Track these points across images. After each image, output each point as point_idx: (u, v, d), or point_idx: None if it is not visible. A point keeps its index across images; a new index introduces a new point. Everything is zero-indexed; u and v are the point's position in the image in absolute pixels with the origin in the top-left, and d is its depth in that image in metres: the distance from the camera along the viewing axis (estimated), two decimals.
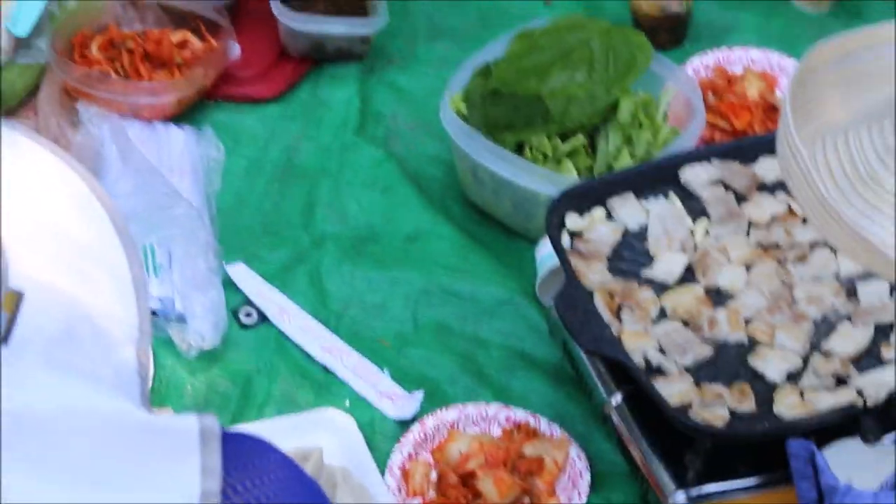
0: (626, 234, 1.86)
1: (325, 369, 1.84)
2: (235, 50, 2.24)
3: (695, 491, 1.72)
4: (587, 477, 1.80)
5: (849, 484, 1.48)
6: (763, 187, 1.91)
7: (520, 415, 1.86)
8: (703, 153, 1.96)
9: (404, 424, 1.87)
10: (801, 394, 1.70)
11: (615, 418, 1.80)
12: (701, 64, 2.25)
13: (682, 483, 1.72)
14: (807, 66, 1.30)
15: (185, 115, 2.20)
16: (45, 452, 1.01)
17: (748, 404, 1.70)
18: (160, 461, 1.04)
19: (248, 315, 1.92)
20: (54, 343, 1.06)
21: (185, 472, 1.03)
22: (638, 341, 1.73)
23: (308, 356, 1.86)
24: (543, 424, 1.84)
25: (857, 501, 1.40)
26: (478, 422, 1.86)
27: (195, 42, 2.26)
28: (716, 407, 1.70)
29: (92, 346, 1.08)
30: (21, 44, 2.18)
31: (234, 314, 1.91)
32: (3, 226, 1.04)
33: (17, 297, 1.03)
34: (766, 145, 1.89)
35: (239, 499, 1.08)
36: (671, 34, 2.31)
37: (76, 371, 1.07)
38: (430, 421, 1.85)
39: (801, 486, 1.46)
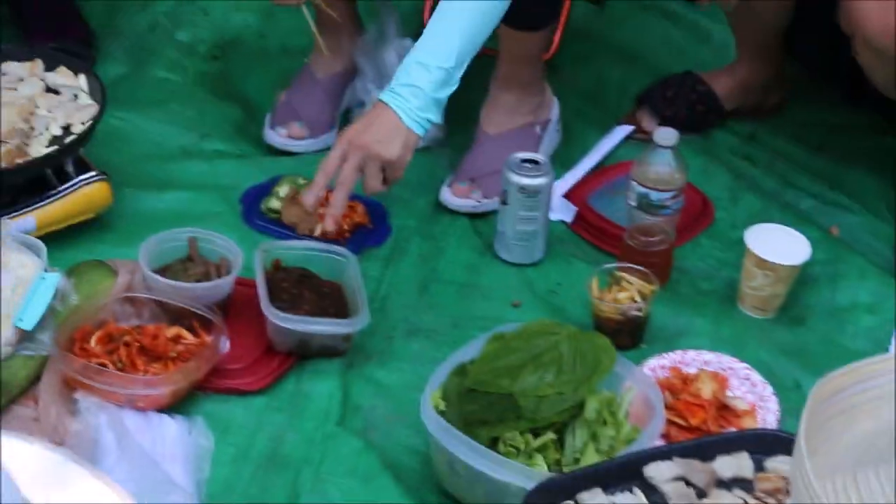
0: None
1: None
2: (226, 345, 2.25)
3: None
4: None
5: None
6: (721, 483, 1.91)
7: None
8: (664, 451, 1.96)
9: None
10: None
11: None
12: (658, 364, 2.29)
13: None
14: (812, 403, 1.30)
15: (177, 405, 2.20)
16: None
17: None
18: None
19: None
20: None
21: None
22: None
23: None
24: None
25: None
26: None
27: (189, 337, 2.27)
28: None
29: None
30: (25, 336, 2.20)
31: None
32: None
33: None
34: (723, 445, 1.96)
35: None
36: (630, 337, 2.36)
37: None
38: None
39: None
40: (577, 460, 2.06)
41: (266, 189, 2.67)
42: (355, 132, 2.45)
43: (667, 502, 1.91)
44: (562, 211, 2.66)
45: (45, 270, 2.30)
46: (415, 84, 2.40)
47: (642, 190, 2.47)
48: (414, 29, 2.92)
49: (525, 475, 1.98)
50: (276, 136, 2.81)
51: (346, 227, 2.58)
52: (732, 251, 2.52)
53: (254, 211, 2.64)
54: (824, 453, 1.25)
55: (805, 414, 1.28)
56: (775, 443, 1.98)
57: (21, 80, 2.66)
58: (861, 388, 1.29)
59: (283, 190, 2.65)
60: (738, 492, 1.91)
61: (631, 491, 1.91)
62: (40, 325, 2.24)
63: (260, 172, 2.73)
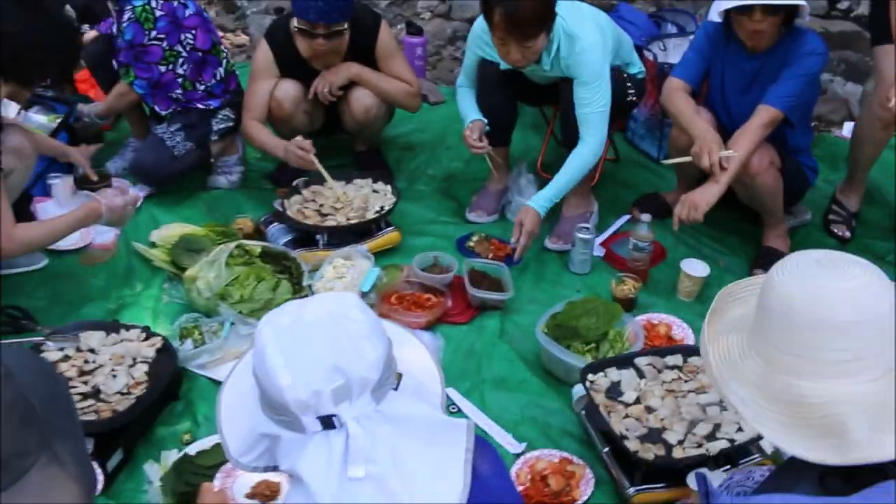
0: (612, 382, 1.95)
1: None
2: (449, 302, 2.37)
3: (637, 489, 1.78)
4: (591, 481, 1.84)
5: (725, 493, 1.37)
6: (667, 367, 1.99)
7: (565, 454, 1.90)
8: (644, 352, 2.03)
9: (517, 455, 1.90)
10: (683, 450, 1.77)
11: (606, 458, 1.87)
12: (640, 319, 2.29)
13: (632, 484, 1.79)
14: (714, 303, 1.24)
15: (428, 327, 2.30)
16: (407, 430, 1.10)
17: (662, 452, 1.77)
18: (452, 434, 1.13)
19: None
20: (413, 390, 1.16)
21: (461, 441, 1.13)
22: (617, 426, 1.83)
23: None
24: (575, 459, 1.89)
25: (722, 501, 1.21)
26: (549, 456, 1.90)
27: (433, 298, 2.37)
28: (649, 453, 1.76)
29: (429, 394, 1.19)
30: (363, 295, 2.31)
31: None
32: (404, 357, 1.17)
33: (400, 375, 1.15)
34: (669, 351, 2.04)
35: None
36: (628, 305, 2.36)
37: (422, 399, 1.16)
38: (529, 454, 1.91)
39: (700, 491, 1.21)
40: (604, 357, 2.12)
41: (467, 237, 2.68)
42: (524, 215, 2.50)
43: (644, 374, 1.96)
44: (598, 250, 2.63)
45: (372, 267, 2.43)
46: (543, 203, 2.51)
47: (635, 241, 2.47)
48: (534, 169, 2.93)
49: (581, 361, 2.07)
50: (471, 216, 2.80)
51: (503, 255, 2.62)
52: (674, 270, 2.49)
53: (462, 247, 2.65)
54: (714, 328, 1.19)
55: (712, 307, 1.23)
56: (692, 351, 2.03)
57: (362, 187, 2.77)
58: (737, 293, 1.24)
59: (474, 237, 2.68)
60: (676, 371, 1.97)
61: (628, 369, 1.98)
62: (370, 290, 2.36)
63: (464, 231, 2.73)
